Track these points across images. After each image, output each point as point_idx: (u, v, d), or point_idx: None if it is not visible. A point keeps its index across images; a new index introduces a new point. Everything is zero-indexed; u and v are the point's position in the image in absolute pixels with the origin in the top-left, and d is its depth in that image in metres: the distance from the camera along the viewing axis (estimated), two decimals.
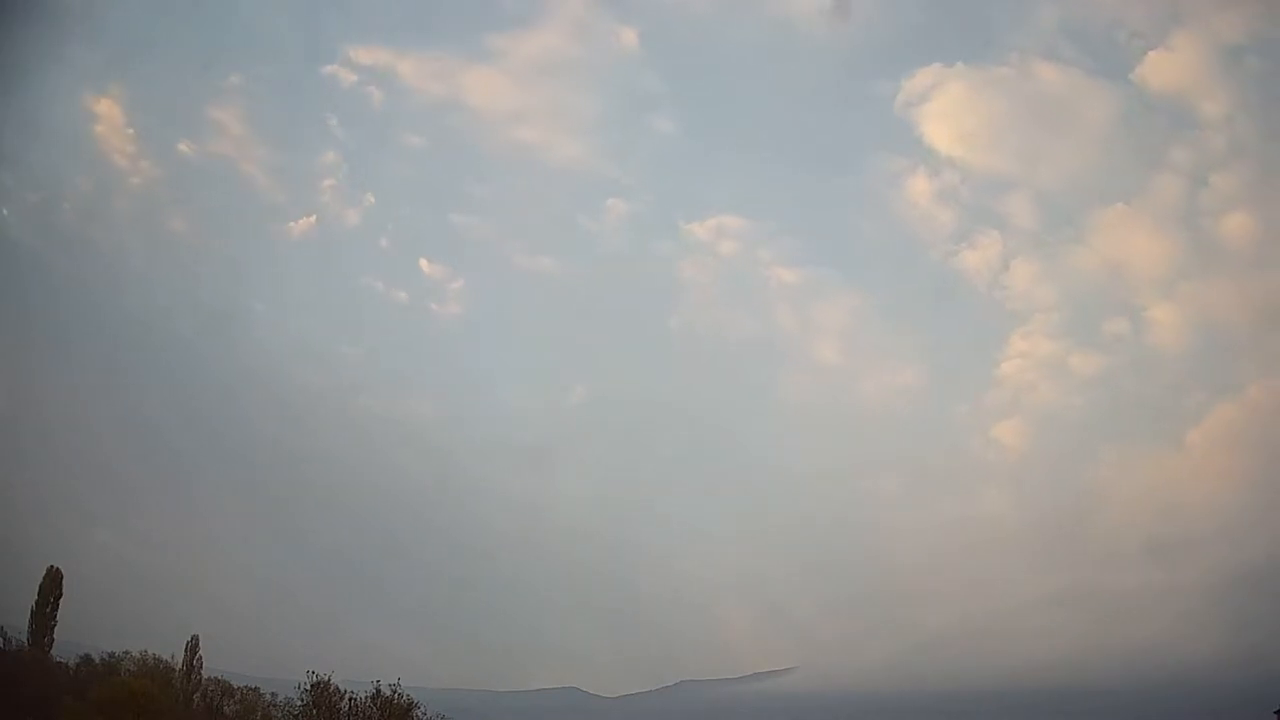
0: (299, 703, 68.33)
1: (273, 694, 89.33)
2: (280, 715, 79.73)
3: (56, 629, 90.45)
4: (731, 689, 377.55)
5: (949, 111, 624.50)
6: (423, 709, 68.20)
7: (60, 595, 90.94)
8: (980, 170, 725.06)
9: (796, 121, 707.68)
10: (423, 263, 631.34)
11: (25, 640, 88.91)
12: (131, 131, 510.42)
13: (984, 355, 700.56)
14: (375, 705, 65.66)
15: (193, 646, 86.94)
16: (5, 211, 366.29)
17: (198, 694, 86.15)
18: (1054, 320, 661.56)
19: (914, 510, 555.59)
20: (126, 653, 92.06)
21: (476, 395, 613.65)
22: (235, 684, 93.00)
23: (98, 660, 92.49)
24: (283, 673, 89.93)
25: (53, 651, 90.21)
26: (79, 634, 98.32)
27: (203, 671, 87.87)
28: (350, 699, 66.46)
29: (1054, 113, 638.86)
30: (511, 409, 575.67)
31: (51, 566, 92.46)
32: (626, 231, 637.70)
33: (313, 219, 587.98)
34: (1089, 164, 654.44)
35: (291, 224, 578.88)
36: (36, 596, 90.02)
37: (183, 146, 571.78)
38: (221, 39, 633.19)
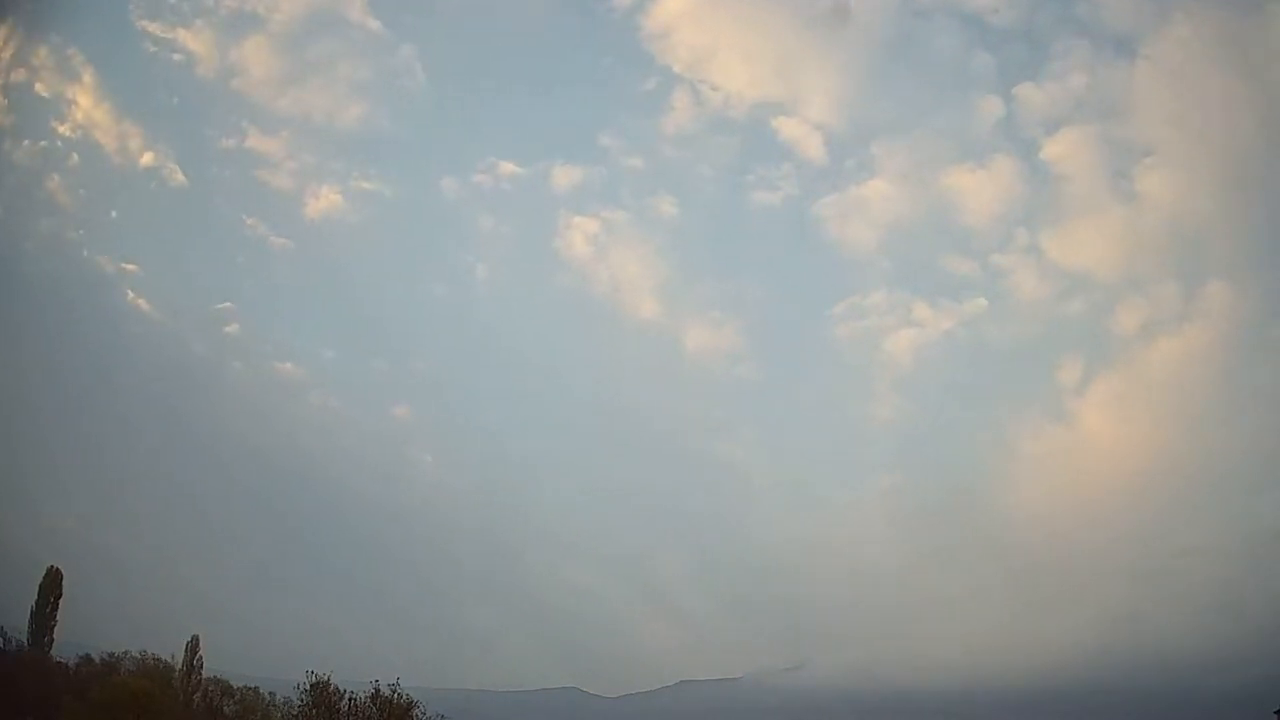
0: (299, 703, 68.43)
1: (272, 694, 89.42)
2: (280, 715, 79.90)
3: (56, 629, 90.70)
4: (732, 689, 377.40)
5: (700, 29, 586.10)
6: (422, 709, 68.22)
7: (60, 595, 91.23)
8: (754, 96, 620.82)
9: (546, 52, 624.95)
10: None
11: (25, 640, 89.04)
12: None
13: (813, 310, 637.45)
14: (375, 705, 65.76)
15: (193, 646, 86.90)
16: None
17: (198, 694, 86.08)
18: (887, 269, 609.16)
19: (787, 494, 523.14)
20: (126, 653, 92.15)
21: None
22: (235, 684, 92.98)
23: (98, 660, 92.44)
24: (283, 673, 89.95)
25: (53, 651, 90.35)
26: (79, 634, 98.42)
27: (203, 671, 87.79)
28: (350, 699, 66.56)
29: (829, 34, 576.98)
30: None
31: (51, 566, 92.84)
32: (410, 181, 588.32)
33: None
34: (877, 88, 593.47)
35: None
36: (36, 596, 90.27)
37: None
38: None
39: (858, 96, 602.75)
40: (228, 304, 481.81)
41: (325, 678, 67.16)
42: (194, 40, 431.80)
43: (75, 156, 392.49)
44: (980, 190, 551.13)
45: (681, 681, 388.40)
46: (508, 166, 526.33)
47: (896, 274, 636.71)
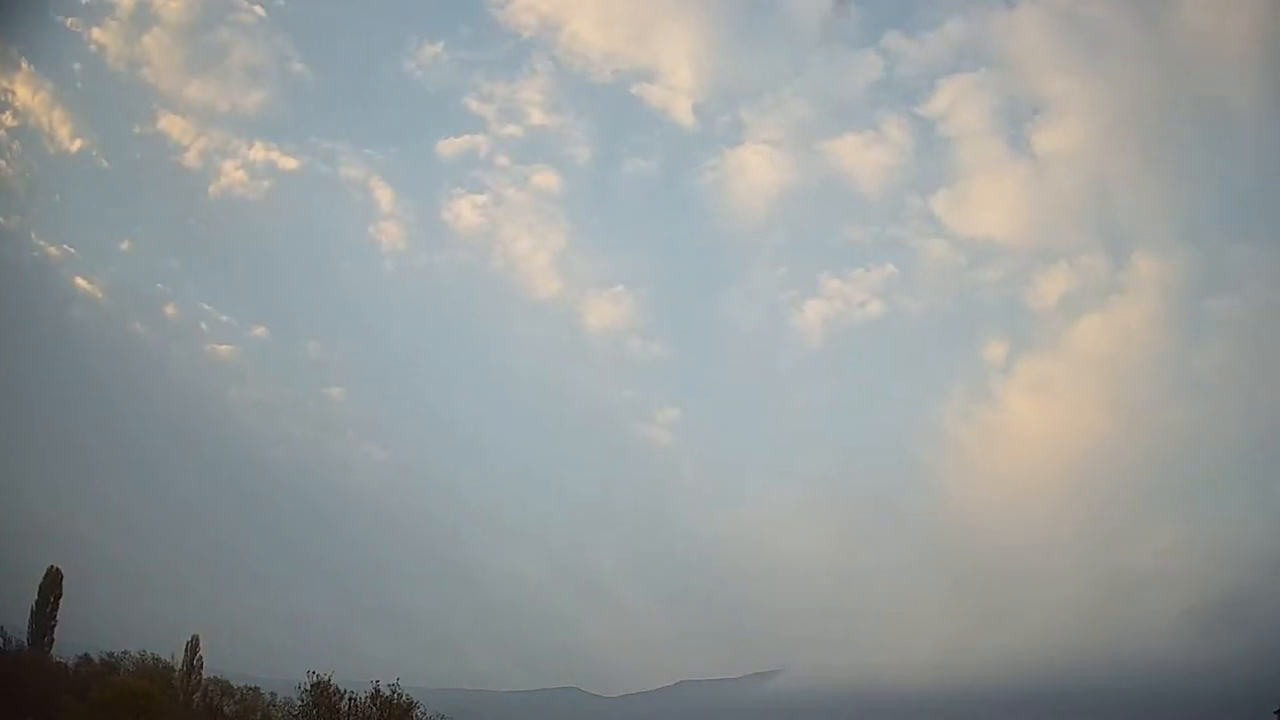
0: (299, 703, 68.40)
1: (272, 694, 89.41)
2: (280, 715, 79.83)
3: (56, 629, 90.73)
4: (732, 689, 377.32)
5: None
6: (422, 709, 68.25)
7: (60, 595, 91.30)
8: (614, 62, 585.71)
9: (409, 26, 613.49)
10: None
11: (25, 640, 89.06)
12: None
13: (714, 286, 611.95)
14: (375, 705, 65.72)
15: (193, 646, 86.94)
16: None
17: (198, 694, 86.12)
18: (781, 242, 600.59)
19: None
20: (126, 653, 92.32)
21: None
22: (235, 684, 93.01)
23: (98, 660, 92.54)
24: (283, 673, 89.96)
25: (53, 651, 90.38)
26: (79, 634, 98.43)
27: (203, 671, 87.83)
28: (350, 699, 66.50)
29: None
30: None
31: (51, 566, 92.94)
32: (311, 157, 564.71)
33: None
34: (741, 49, 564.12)
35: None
36: (36, 596, 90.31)
37: None
38: None
39: (721, 59, 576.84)
40: (159, 285, 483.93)
41: (326, 678, 67.17)
42: (104, 35, 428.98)
43: (17, 144, 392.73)
44: (866, 154, 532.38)
45: (681, 681, 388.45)
46: (392, 148, 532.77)
47: (793, 246, 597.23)
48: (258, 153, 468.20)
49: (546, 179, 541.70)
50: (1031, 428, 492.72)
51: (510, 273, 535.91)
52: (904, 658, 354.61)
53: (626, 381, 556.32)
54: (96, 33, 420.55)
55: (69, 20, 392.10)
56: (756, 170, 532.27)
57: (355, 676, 69.08)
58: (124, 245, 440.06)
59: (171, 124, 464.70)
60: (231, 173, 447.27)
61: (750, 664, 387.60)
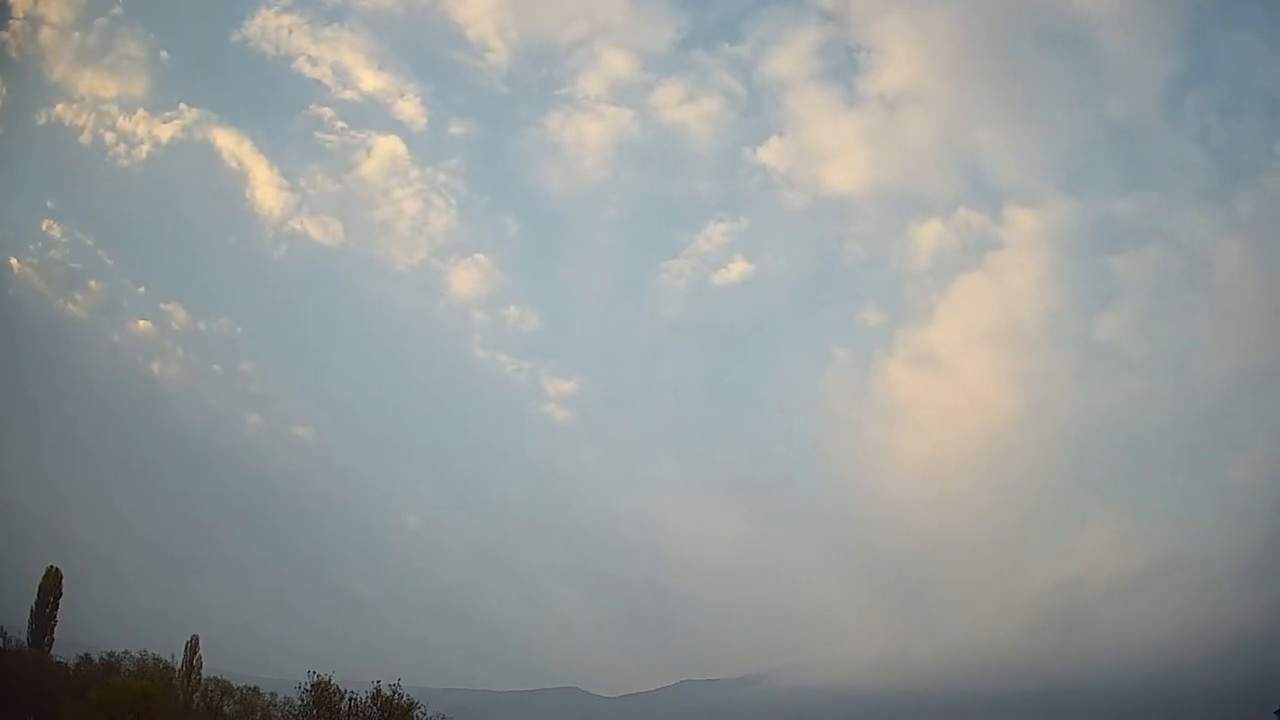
0: (299, 702, 68.33)
1: (272, 694, 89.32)
2: (280, 715, 79.68)
3: (56, 629, 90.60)
4: (733, 689, 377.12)
5: None
6: (423, 709, 68.15)
7: (60, 595, 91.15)
8: None
9: None
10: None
11: (25, 640, 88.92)
12: None
13: (572, 248, 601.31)
14: (375, 705, 65.67)
15: (193, 646, 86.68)
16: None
17: (198, 694, 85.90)
18: (620, 201, 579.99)
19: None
20: (126, 653, 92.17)
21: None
22: (235, 684, 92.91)
23: (98, 660, 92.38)
24: (283, 673, 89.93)
25: (53, 651, 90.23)
26: (79, 634, 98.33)
27: (203, 671, 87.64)
28: (350, 699, 66.45)
29: None
30: None
31: (51, 566, 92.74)
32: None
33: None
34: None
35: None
36: (36, 596, 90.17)
37: None
38: None
39: (528, 19, 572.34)
40: (78, 264, 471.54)
41: (326, 678, 67.13)
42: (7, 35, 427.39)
43: None
44: (694, 106, 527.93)
45: (681, 681, 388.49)
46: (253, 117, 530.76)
47: (636, 204, 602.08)
48: (140, 127, 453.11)
49: (390, 144, 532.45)
50: (925, 404, 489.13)
51: (371, 247, 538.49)
52: (840, 658, 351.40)
53: (511, 352, 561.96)
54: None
55: None
56: (582, 128, 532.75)
57: (356, 676, 69.15)
58: (44, 226, 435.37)
59: (66, 110, 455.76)
60: (116, 147, 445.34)
61: (749, 663, 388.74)
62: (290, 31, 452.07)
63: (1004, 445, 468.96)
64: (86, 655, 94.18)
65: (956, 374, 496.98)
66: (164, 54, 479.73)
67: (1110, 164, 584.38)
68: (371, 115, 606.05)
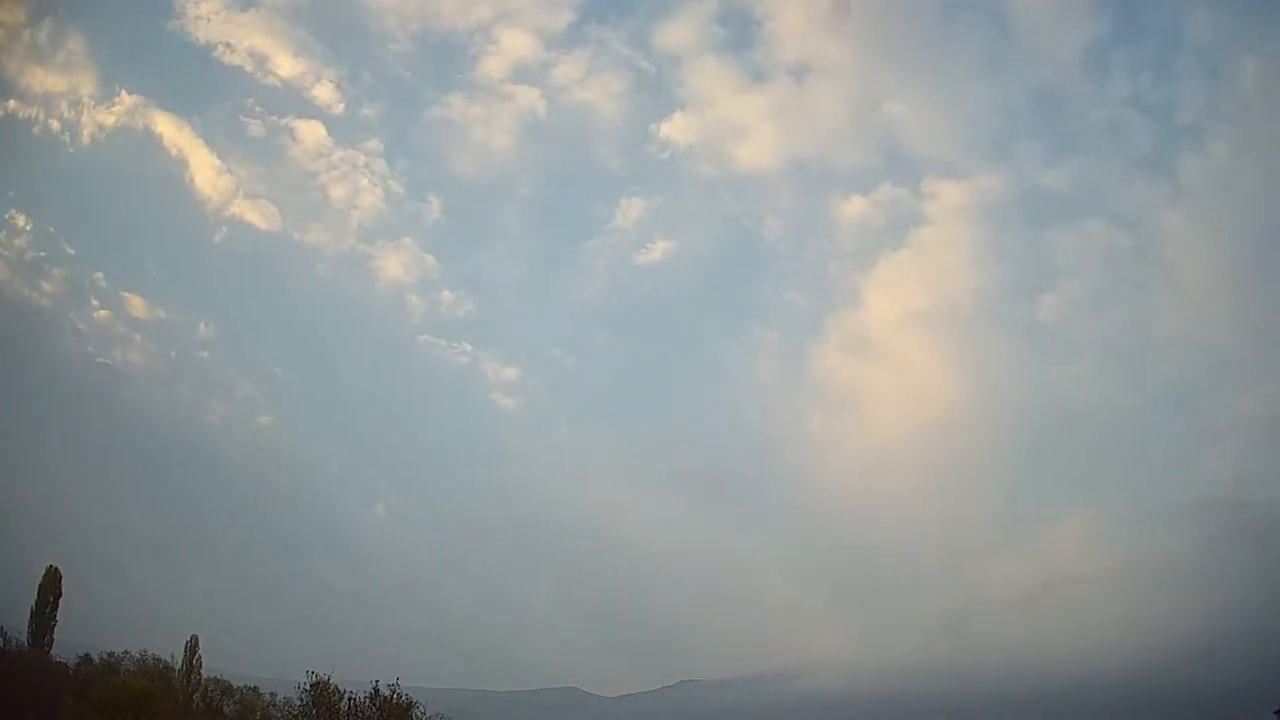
0: (299, 702, 68.45)
1: (272, 694, 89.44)
2: (280, 715, 79.82)
3: (56, 629, 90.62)
4: (733, 690, 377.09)
5: None
6: (422, 709, 68.27)
7: (60, 595, 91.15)
8: None
9: None
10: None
11: (25, 640, 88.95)
12: None
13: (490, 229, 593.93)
14: (374, 705, 65.79)
15: (192, 646, 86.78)
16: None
17: (198, 694, 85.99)
18: (529, 179, 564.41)
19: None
20: (126, 653, 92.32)
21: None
22: (235, 684, 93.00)
23: (98, 660, 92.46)
24: (283, 673, 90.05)
25: (53, 651, 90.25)
26: (79, 634, 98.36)
27: (202, 671, 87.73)
28: (349, 699, 66.57)
29: None
30: None
31: (51, 566, 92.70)
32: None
33: None
34: None
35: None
36: (36, 596, 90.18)
37: None
38: None
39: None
40: (42, 253, 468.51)
41: (325, 678, 67.24)
42: None
43: None
44: (594, 83, 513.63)
45: (682, 681, 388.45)
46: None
47: (543, 183, 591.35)
48: (86, 116, 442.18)
49: (312, 128, 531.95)
50: (865, 392, 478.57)
51: (305, 232, 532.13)
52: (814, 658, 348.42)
53: (450, 337, 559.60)
54: None
55: None
56: (489, 109, 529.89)
57: (356, 676, 69.29)
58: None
59: (19, 105, 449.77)
60: (62, 135, 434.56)
61: (749, 663, 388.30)
62: (209, 21, 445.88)
63: (952, 436, 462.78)
64: (86, 655, 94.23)
65: (893, 359, 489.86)
66: (106, 45, 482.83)
67: (1035, 132, 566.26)
68: (291, 101, 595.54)
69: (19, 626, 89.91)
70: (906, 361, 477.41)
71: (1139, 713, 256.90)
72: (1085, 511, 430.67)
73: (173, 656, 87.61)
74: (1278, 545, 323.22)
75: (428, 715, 69.26)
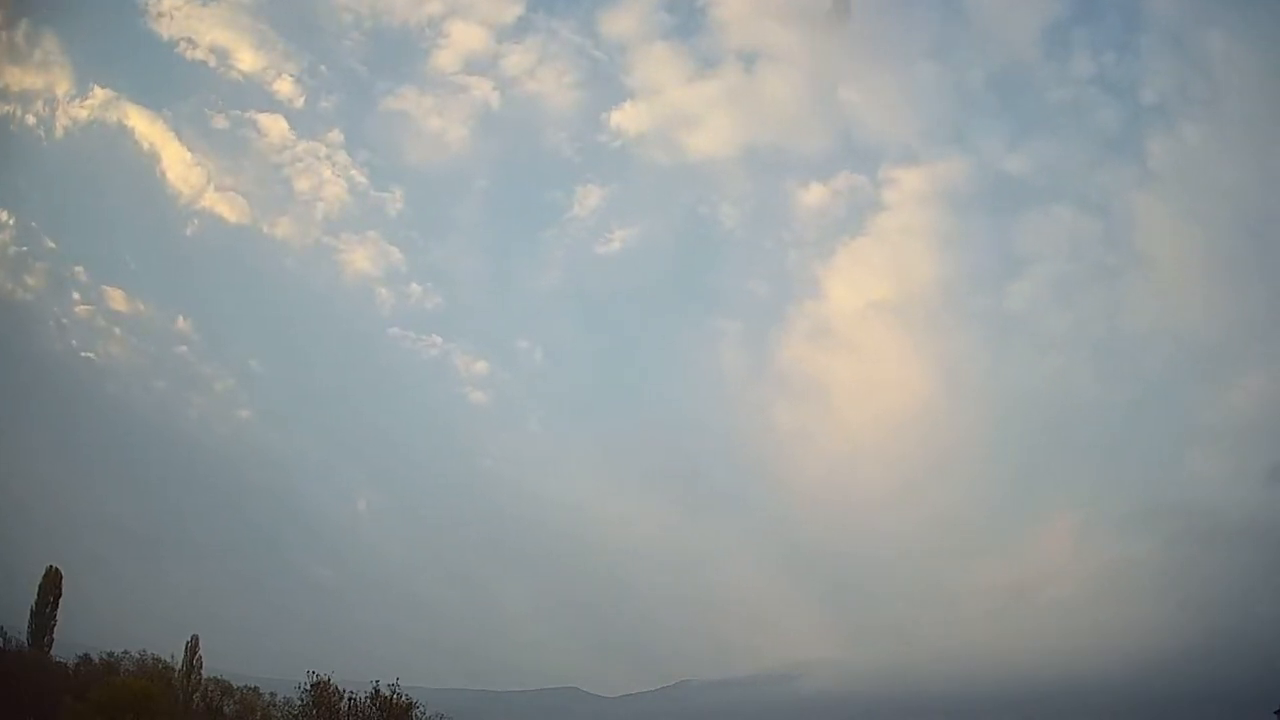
0: (299, 703, 68.46)
1: (272, 694, 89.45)
2: (280, 715, 79.85)
3: (56, 629, 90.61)
4: (734, 690, 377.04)
5: None
6: (422, 709, 68.27)
7: (60, 595, 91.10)
8: None
9: None
10: None
11: (25, 640, 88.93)
12: None
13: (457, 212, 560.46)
14: (374, 705, 65.78)
15: (192, 646, 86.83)
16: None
17: (198, 694, 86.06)
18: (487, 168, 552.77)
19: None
20: (126, 653, 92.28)
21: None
22: (235, 684, 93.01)
23: (98, 660, 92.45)
24: (283, 673, 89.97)
25: (53, 651, 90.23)
26: (79, 634, 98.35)
27: (203, 671, 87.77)
28: (350, 699, 66.58)
29: None
30: None
31: (51, 566, 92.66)
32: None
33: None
34: None
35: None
36: (36, 596, 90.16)
37: None
38: None
39: None
40: (25, 248, 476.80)
41: (325, 678, 67.27)
42: None
43: None
44: (544, 72, 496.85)
45: (681, 681, 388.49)
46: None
47: (498, 174, 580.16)
48: (61, 110, 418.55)
49: (275, 121, 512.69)
50: (832, 385, 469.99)
51: (274, 226, 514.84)
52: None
53: (420, 329, 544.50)
54: None
55: None
56: (443, 101, 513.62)
57: (356, 676, 69.30)
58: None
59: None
60: (37, 130, 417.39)
61: (748, 663, 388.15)
62: (171, 17, 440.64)
63: (923, 430, 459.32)
64: (86, 655, 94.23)
65: (859, 350, 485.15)
66: (79, 42, 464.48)
67: (994, 115, 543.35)
68: (253, 94, 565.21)
69: (19, 626, 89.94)
70: (872, 352, 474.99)
71: (1139, 713, 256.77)
72: (1071, 511, 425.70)
73: (172, 656, 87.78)
74: (1255, 548, 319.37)
75: (427, 715, 69.27)
